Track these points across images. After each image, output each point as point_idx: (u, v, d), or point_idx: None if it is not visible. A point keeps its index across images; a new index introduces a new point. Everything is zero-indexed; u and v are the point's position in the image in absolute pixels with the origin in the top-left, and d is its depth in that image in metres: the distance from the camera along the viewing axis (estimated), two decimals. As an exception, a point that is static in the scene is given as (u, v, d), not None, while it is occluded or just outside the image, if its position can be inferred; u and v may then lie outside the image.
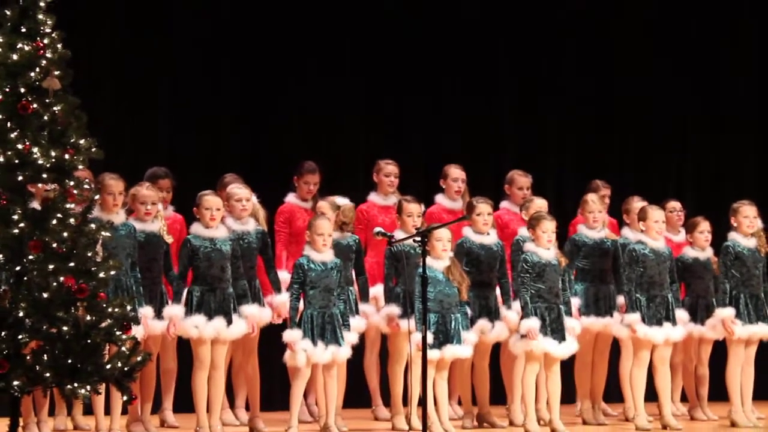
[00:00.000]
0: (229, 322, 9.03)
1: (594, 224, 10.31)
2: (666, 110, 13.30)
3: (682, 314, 10.29)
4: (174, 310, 8.99)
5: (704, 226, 10.55)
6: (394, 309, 9.59)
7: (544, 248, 9.68)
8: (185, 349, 9.37)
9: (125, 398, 7.75)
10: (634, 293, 10.11)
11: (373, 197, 10.50)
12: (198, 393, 9.03)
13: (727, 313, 10.36)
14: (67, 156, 7.23)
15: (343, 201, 9.83)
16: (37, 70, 7.22)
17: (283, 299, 9.40)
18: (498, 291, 10.00)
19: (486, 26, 12.82)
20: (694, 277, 10.54)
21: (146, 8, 11.42)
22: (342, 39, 12.27)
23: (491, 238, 9.98)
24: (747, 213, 10.53)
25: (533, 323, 9.59)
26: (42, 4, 7.30)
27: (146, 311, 8.91)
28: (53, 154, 7.18)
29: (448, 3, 12.68)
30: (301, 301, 9.19)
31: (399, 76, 12.37)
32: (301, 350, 9.03)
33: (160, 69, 11.49)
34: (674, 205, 10.89)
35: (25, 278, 7.00)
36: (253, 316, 9.24)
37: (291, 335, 9.07)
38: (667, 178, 12.71)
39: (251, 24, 11.91)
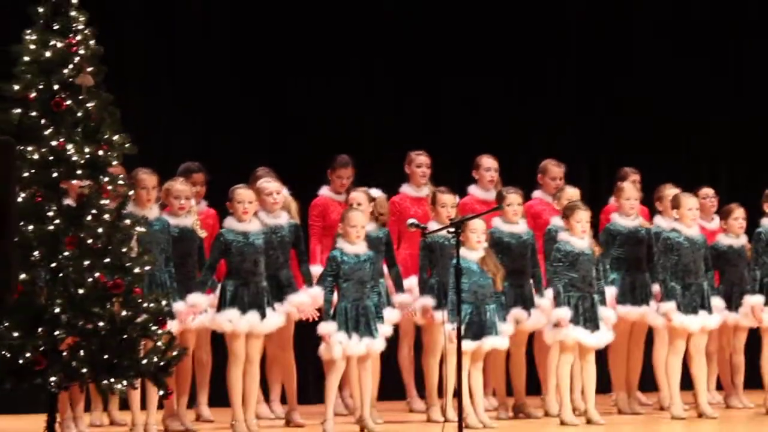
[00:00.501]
0: (263, 315, 9.03)
1: (630, 211, 10.30)
2: (693, 95, 13.28)
3: (717, 302, 10.26)
4: (196, 298, 8.98)
5: (739, 213, 10.54)
6: (429, 300, 9.59)
7: (579, 238, 9.69)
8: (220, 343, 9.38)
9: (161, 393, 7.77)
10: (669, 281, 10.09)
11: (406, 188, 10.47)
12: (233, 387, 9.02)
13: (756, 300, 10.39)
14: (101, 152, 7.27)
15: (377, 193, 9.82)
16: (70, 67, 7.25)
17: (302, 299, 9.37)
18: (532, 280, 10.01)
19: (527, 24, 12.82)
20: (728, 264, 10.54)
21: (173, 4, 11.46)
22: (372, 34, 12.23)
23: (521, 227, 10.03)
24: (779, 199, 10.54)
25: (564, 313, 9.62)
26: (74, 1, 7.30)
27: (181, 306, 8.91)
28: (87, 150, 7.21)
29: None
30: (335, 294, 9.17)
31: (430, 67, 12.35)
32: (336, 343, 9.02)
33: (192, 63, 11.50)
34: (707, 191, 10.87)
35: (61, 275, 7.02)
36: (301, 304, 9.28)
37: (326, 328, 9.06)
38: (699, 163, 12.57)
39: (280, 19, 11.88)
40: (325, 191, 10.26)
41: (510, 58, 12.66)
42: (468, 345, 9.13)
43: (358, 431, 9.20)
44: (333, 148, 10.63)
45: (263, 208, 9.32)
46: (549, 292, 9.78)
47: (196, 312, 8.95)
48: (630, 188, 10.38)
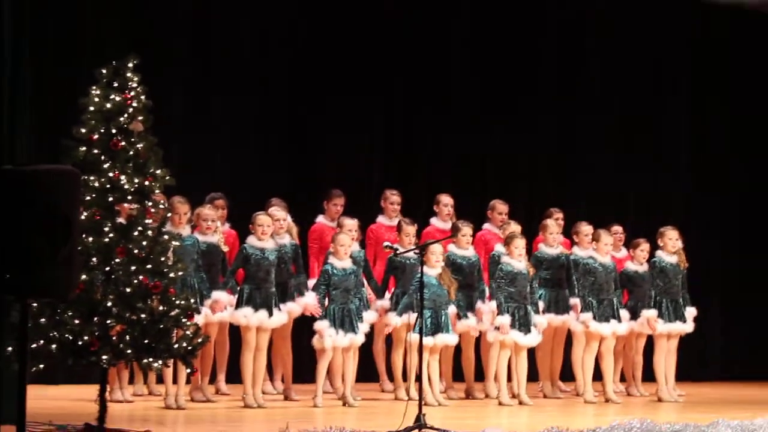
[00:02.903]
0: (271, 314, 9.11)
1: (553, 242, 10.36)
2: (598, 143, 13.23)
3: (624, 314, 10.36)
4: (219, 294, 9.03)
5: (644, 246, 10.66)
6: (393, 315, 9.57)
7: (517, 260, 9.76)
8: (236, 334, 9.41)
9: (189, 371, 7.76)
10: (587, 297, 10.18)
11: (381, 219, 10.50)
12: (245, 368, 9.07)
13: (651, 313, 10.49)
14: (147, 182, 7.25)
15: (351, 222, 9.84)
16: (125, 115, 7.23)
17: (309, 300, 9.41)
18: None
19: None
20: (635, 285, 10.59)
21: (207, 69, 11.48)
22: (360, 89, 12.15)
23: (470, 252, 10.08)
24: (671, 236, 10.67)
25: (505, 320, 9.67)
26: (129, 65, 7.33)
27: (207, 304, 8.98)
28: (136, 181, 7.20)
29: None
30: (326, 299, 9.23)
31: (402, 126, 12.33)
32: (327, 336, 9.06)
33: (218, 117, 11.49)
34: (617, 228, 10.97)
35: (113, 276, 7.01)
36: (307, 305, 9.38)
37: (320, 324, 9.14)
38: (610, 207, 12.59)
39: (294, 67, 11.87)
40: (321, 219, 10.27)
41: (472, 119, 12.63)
42: (427, 341, 9.14)
43: (341, 405, 9.23)
44: (325, 185, 10.65)
45: (274, 230, 9.35)
46: (492, 303, 9.80)
47: (219, 307, 8.98)
48: (552, 224, 10.46)
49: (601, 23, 13.26)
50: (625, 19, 13.32)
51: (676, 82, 13.70)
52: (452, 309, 9.65)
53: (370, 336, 9.81)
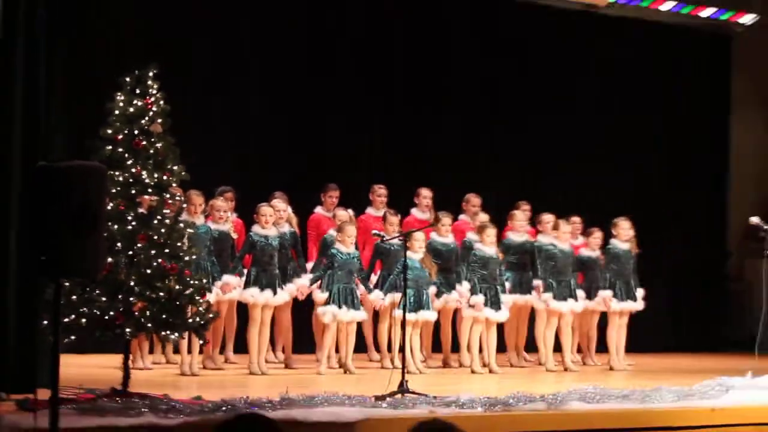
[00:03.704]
0: (275, 293, 9.15)
1: (520, 230, 10.39)
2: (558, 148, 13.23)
3: (580, 294, 10.41)
4: (229, 278, 9.05)
5: (598, 235, 10.77)
6: (379, 293, 9.62)
7: (488, 247, 9.78)
8: (243, 310, 9.41)
9: (201, 342, 7.85)
10: (548, 279, 10.23)
11: (370, 210, 10.53)
12: (251, 340, 9.11)
13: (606, 293, 10.53)
14: (165, 177, 7.26)
15: (344, 213, 9.96)
16: (146, 118, 7.24)
17: (303, 282, 9.48)
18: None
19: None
20: (588, 269, 10.65)
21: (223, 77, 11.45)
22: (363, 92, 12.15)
23: (449, 239, 10.09)
24: (623, 226, 10.73)
25: (479, 299, 9.70)
26: (150, 74, 7.33)
27: (218, 285, 9.01)
28: (156, 176, 7.21)
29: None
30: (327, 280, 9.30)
31: (387, 129, 12.31)
32: (330, 312, 9.09)
33: (233, 119, 11.49)
34: (575, 219, 10.99)
35: (135, 260, 7.02)
36: (301, 287, 9.45)
37: (325, 307, 9.23)
38: (570, 200, 12.63)
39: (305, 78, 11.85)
40: (319, 210, 10.31)
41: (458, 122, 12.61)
42: (410, 316, 9.15)
43: (342, 372, 9.27)
44: (323, 180, 10.64)
45: (275, 220, 9.37)
46: (467, 284, 9.83)
47: (228, 289, 8.98)
48: (520, 215, 10.52)
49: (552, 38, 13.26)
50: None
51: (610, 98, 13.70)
52: (432, 289, 9.68)
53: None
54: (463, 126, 12.68)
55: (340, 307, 9.19)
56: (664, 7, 13.34)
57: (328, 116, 11.97)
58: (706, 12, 13.47)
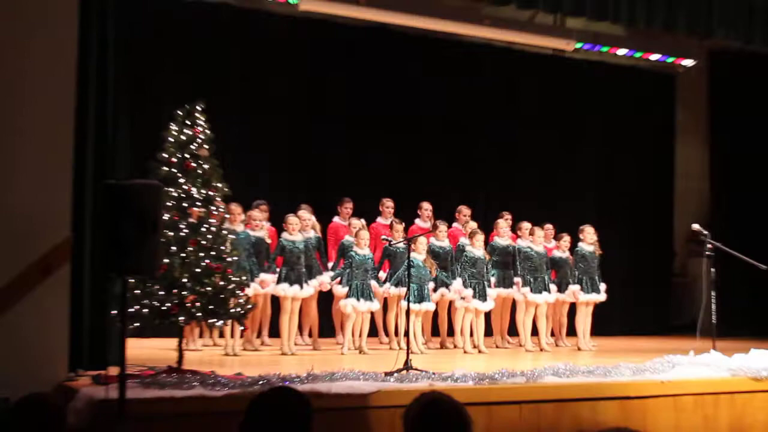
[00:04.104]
0: (301, 287, 9.14)
1: (504, 235, 10.37)
2: (534, 168, 13.19)
3: (552, 288, 10.39)
4: (265, 276, 9.08)
5: (566, 239, 10.74)
6: (389, 285, 9.61)
7: (477, 249, 9.76)
8: (276, 302, 9.41)
9: (241, 328, 7.85)
10: (526, 275, 10.21)
11: (379, 219, 10.51)
12: (282, 327, 9.09)
13: (575, 288, 10.50)
14: (210, 193, 7.25)
15: (358, 221, 9.96)
16: (195, 144, 7.25)
17: (324, 279, 9.44)
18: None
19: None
20: (559, 267, 10.64)
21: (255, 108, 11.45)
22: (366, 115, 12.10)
23: (445, 243, 10.06)
24: (589, 231, 10.72)
25: (468, 292, 9.68)
26: (198, 108, 7.35)
27: (257, 281, 9.03)
28: (203, 191, 7.21)
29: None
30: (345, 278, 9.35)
31: (394, 151, 12.25)
32: (350, 305, 9.08)
33: (266, 145, 11.48)
34: (549, 226, 10.96)
35: (187, 260, 7.01)
36: (322, 283, 9.42)
37: (345, 300, 9.26)
38: (545, 211, 12.62)
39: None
40: (336, 219, 10.31)
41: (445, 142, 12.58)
42: (414, 306, 9.16)
43: (358, 353, 9.24)
44: (340, 194, 10.65)
45: (301, 227, 9.36)
46: (459, 280, 9.81)
47: (265, 285, 8.99)
48: (503, 223, 10.52)
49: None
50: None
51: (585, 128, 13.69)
52: (432, 284, 9.66)
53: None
54: (456, 151, 12.61)
55: (357, 299, 9.18)
56: (620, 52, 13.37)
57: (345, 142, 11.94)
58: (655, 56, 13.52)
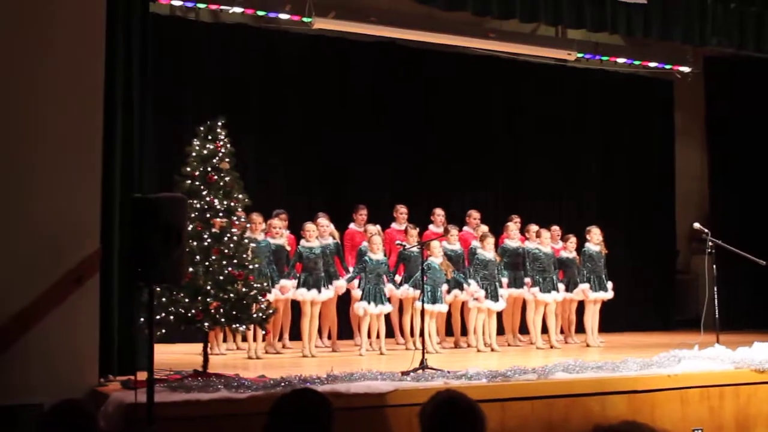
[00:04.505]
0: (320, 292, 9.06)
1: (514, 237, 10.32)
2: (541, 172, 13.14)
3: (561, 287, 10.33)
4: (285, 282, 9.02)
5: (573, 240, 10.65)
6: (406, 287, 9.57)
7: (488, 252, 9.71)
8: (295, 307, 9.36)
9: (263, 332, 7.79)
10: (536, 276, 10.14)
11: (394, 225, 10.44)
12: (303, 330, 9.04)
13: (584, 286, 10.40)
14: (232, 204, 7.25)
15: (373, 228, 9.91)
16: (217, 158, 7.24)
17: (341, 283, 9.35)
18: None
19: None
20: (566, 267, 10.56)
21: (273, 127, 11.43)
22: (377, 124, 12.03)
23: (457, 246, 10.00)
24: (595, 232, 10.62)
25: (481, 293, 9.63)
26: (219, 123, 7.34)
27: (277, 287, 8.98)
28: (225, 203, 7.20)
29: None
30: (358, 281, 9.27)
31: (405, 160, 12.18)
32: (362, 308, 9.04)
33: (283, 157, 11.43)
34: (555, 227, 10.86)
35: (210, 269, 7.01)
36: (339, 287, 9.31)
37: (356, 293, 9.24)
38: (552, 213, 12.55)
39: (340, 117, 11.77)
40: (352, 226, 10.26)
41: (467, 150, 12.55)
42: (428, 307, 9.12)
43: (378, 354, 9.18)
44: (355, 201, 10.59)
45: (320, 234, 9.32)
46: (472, 281, 9.76)
47: (286, 290, 8.96)
48: (513, 226, 10.44)
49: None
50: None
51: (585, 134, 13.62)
52: (445, 286, 9.62)
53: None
54: (467, 160, 12.54)
55: (369, 303, 9.14)
56: (620, 60, 13.35)
57: (362, 152, 11.88)
58: (653, 64, 13.48)
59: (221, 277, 6.95)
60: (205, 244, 7.03)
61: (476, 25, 11.67)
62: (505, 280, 10.10)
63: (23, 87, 6.42)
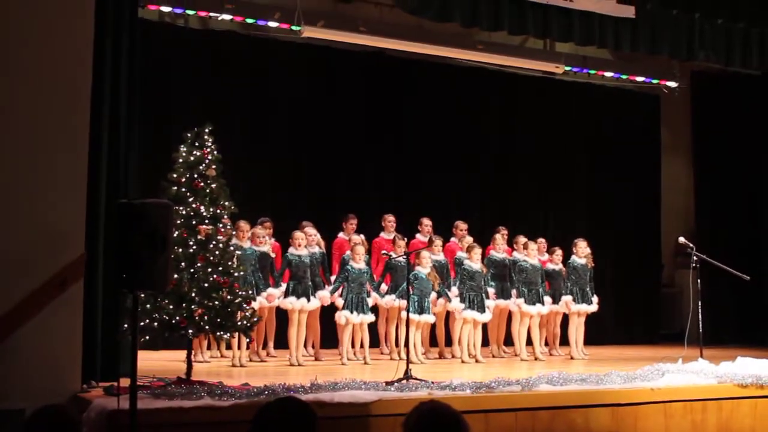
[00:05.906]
0: (308, 300, 9.06)
1: (500, 249, 10.34)
2: (528, 184, 13.17)
3: (547, 299, 10.33)
4: (271, 290, 8.99)
5: (558, 252, 10.67)
6: (391, 297, 9.59)
7: (475, 263, 9.72)
8: (281, 315, 9.34)
9: (248, 340, 7.77)
10: (521, 287, 10.15)
11: (383, 234, 10.44)
12: (290, 338, 9.04)
13: (568, 298, 10.43)
14: (218, 211, 7.23)
15: (357, 237, 9.91)
16: (203, 165, 7.22)
17: (325, 294, 9.31)
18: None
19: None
20: (552, 279, 10.57)
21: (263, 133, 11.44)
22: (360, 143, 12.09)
23: (441, 257, 10.04)
24: (581, 245, 10.64)
25: (461, 305, 9.74)
26: (206, 130, 7.33)
27: (263, 296, 8.95)
28: (211, 210, 7.19)
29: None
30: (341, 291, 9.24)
31: (393, 170, 12.23)
32: (344, 316, 9.03)
33: (270, 165, 11.44)
34: (541, 239, 10.89)
35: (195, 276, 6.98)
36: (323, 297, 9.27)
37: (341, 312, 9.20)
38: (537, 226, 12.60)
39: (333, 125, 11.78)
40: (341, 235, 10.26)
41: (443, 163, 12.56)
42: (416, 318, 9.13)
43: (361, 363, 9.19)
44: (343, 210, 10.59)
45: (307, 243, 9.31)
46: (455, 290, 9.79)
47: (272, 299, 8.94)
48: (499, 237, 10.46)
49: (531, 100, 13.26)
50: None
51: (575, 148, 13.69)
52: (433, 296, 9.63)
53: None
54: (453, 169, 12.58)
55: (351, 312, 9.13)
56: (607, 74, 13.42)
57: (350, 161, 11.91)
58: (640, 78, 13.57)
59: (206, 285, 6.92)
60: (191, 250, 7.00)
61: (465, 36, 11.73)
62: (492, 291, 10.12)
63: (8, 91, 6.40)
